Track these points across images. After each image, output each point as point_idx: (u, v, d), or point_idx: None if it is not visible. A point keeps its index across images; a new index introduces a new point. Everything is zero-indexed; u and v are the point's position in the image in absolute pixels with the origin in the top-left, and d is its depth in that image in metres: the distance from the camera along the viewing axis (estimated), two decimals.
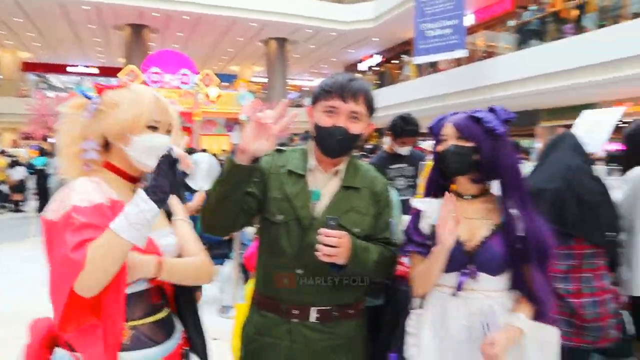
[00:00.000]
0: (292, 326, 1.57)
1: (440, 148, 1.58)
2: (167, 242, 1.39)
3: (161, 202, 1.18)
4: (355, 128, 1.57)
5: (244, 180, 1.45)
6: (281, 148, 1.75)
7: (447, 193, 1.51)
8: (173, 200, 1.53)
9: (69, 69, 27.17)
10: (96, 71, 27.30)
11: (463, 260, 1.52)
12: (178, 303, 1.47)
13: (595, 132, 3.70)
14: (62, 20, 18.25)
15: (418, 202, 1.68)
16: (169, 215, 1.49)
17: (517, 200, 1.53)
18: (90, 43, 22.09)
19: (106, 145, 1.37)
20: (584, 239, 2.07)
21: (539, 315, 1.50)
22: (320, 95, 1.60)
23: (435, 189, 1.68)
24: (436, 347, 1.55)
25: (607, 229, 2.13)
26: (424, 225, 1.63)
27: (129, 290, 1.26)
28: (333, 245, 1.43)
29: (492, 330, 1.46)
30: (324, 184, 1.63)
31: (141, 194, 1.17)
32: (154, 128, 1.34)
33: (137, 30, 18.71)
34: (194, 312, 1.50)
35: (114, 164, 1.37)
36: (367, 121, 1.62)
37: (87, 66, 27.04)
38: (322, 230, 1.45)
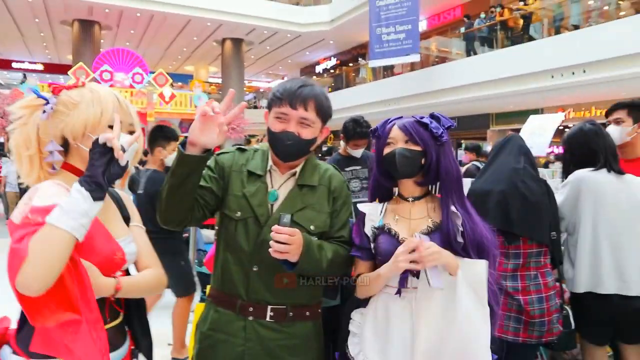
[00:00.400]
0: (247, 323, 1.58)
1: (387, 150, 1.62)
2: (131, 250, 1.39)
3: (95, 191, 1.17)
4: (306, 133, 1.60)
5: (193, 171, 1.47)
6: (243, 147, 1.77)
7: (411, 239, 1.49)
8: (130, 205, 1.52)
9: (14, 64, 25.87)
10: (41, 67, 26.14)
11: None
12: (127, 304, 1.46)
13: (538, 136, 3.90)
14: (3, 12, 17.33)
15: (362, 205, 1.71)
16: (126, 220, 1.48)
17: (456, 200, 1.58)
18: (36, 38, 21.11)
19: (64, 146, 1.34)
20: (529, 239, 2.18)
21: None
22: (272, 101, 1.64)
23: (380, 191, 1.73)
24: (380, 347, 1.56)
25: (550, 229, 2.25)
26: (368, 229, 1.66)
27: (97, 296, 1.27)
28: (285, 242, 1.45)
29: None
30: (281, 185, 1.66)
31: (75, 185, 1.17)
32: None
33: (87, 26, 18.02)
34: (141, 313, 1.50)
35: (73, 165, 1.35)
36: (320, 126, 1.66)
37: (32, 62, 25.83)
38: (275, 227, 1.46)
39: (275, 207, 1.62)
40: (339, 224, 1.69)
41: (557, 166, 7.94)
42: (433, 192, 1.69)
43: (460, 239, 1.53)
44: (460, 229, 1.54)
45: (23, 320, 1.27)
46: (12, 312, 1.36)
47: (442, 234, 1.54)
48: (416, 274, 1.53)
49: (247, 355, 1.57)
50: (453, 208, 1.56)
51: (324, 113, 1.65)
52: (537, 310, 2.12)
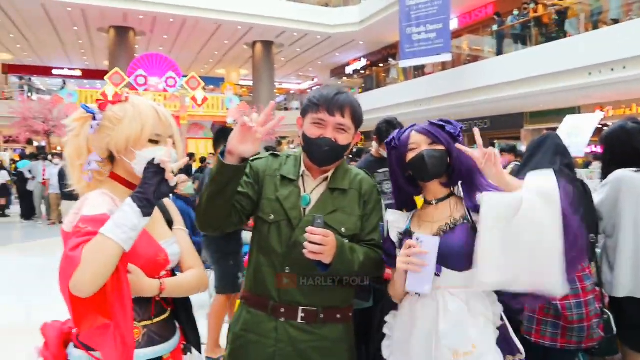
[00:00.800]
0: (279, 324, 1.61)
1: (412, 155, 1.62)
2: (174, 251, 1.47)
3: (145, 207, 1.26)
4: (342, 139, 1.65)
5: (232, 179, 1.53)
6: (276, 153, 1.83)
7: (408, 241, 1.52)
8: (173, 210, 1.61)
9: (54, 71, 26.86)
10: (79, 74, 27.02)
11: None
12: (175, 302, 1.54)
13: (576, 136, 3.81)
14: (45, 21, 18.00)
15: (390, 213, 1.74)
16: (169, 223, 1.56)
17: (473, 196, 1.59)
18: (74, 45, 21.83)
19: (111, 157, 1.43)
20: None
21: None
22: (308, 107, 1.68)
23: (404, 198, 1.75)
24: (404, 349, 1.58)
25: (589, 231, 2.19)
26: (393, 235, 1.68)
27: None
28: (319, 243, 1.47)
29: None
30: (313, 189, 1.70)
31: (127, 200, 1.27)
32: (155, 142, 1.40)
33: (122, 32, 18.54)
34: (188, 310, 1.57)
35: (119, 175, 1.44)
36: (353, 132, 1.71)
37: (70, 69, 26.74)
38: (309, 228, 1.49)
39: (308, 211, 1.66)
40: (369, 227, 1.71)
41: (596, 166, 7.69)
42: (456, 192, 1.70)
43: None
44: None
45: None
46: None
47: (467, 227, 1.55)
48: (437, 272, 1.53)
49: (278, 356, 1.60)
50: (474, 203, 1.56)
51: (358, 119, 1.70)
52: (575, 315, 2.06)
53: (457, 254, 1.52)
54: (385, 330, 1.71)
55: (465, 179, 1.62)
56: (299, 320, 1.61)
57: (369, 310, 2.30)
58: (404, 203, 1.76)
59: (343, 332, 1.68)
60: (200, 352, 1.61)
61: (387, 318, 1.72)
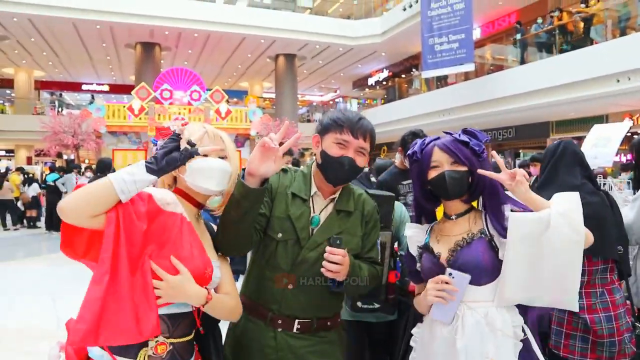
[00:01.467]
0: (277, 334, 1.68)
1: (434, 174, 1.62)
2: (216, 274, 1.48)
3: (151, 164, 1.33)
4: (360, 161, 1.70)
5: (257, 202, 1.55)
6: (285, 168, 1.83)
7: (441, 276, 1.55)
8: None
9: (83, 86, 27.66)
10: (107, 88, 27.75)
11: (440, 273, 1.56)
12: (202, 320, 1.52)
13: (604, 146, 3.72)
14: (75, 39, 18.59)
15: (409, 228, 1.77)
16: (217, 250, 1.59)
17: (497, 212, 1.57)
18: (102, 61, 22.46)
19: (174, 178, 1.55)
20: (593, 256, 2.08)
21: None
22: (331, 127, 1.70)
23: (424, 213, 1.76)
24: None
25: (617, 242, 2.13)
26: (413, 250, 1.72)
27: (177, 309, 1.40)
28: (337, 262, 1.56)
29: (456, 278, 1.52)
30: (322, 209, 1.75)
31: (141, 160, 1.36)
32: (204, 156, 1.44)
33: (148, 48, 19.00)
34: (216, 332, 1.59)
35: (181, 189, 1.52)
36: (368, 155, 1.76)
37: (99, 84, 27.49)
38: (329, 248, 1.58)
39: (315, 231, 1.71)
40: (369, 245, 1.80)
41: (625, 177, 7.46)
42: (477, 206, 1.70)
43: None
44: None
45: None
46: None
47: (485, 241, 1.55)
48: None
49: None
50: (506, 212, 1.55)
51: (373, 145, 1.77)
52: (605, 329, 2.02)
53: (474, 268, 1.52)
54: (412, 343, 1.73)
55: (487, 196, 1.61)
56: (295, 331, 1.68)
57: (394, 322, 2.29)
58: (423, 215, 1.77)
59: (336, 335, 1.78)
60: None
61: (413, 331, 1.74)
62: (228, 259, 1.64)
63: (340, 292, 1.71)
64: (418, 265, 1.69)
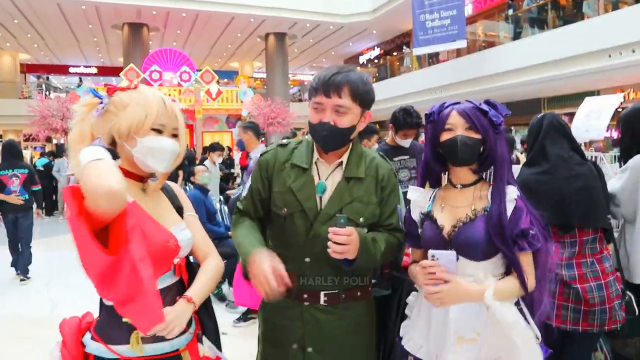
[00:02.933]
0: (304, 309, 1.64)
1: (447, 136, 1.57)
2: (185, 237, 1.45)
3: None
4: (342, 122, 1.57)
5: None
6: (283, 142, 1.78)
7: (425, 262, 1.51)
8: (182, 196, 1.59)
9: (71, 69, 27.20)
10: (95, 71, 27.33)
11: (441, 245, 1.54)
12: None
13: (595, 119, 3.72)
14: (61, 20, 18.21)
15: (412, 191, 1.70)
16: (179, 210, 1.54)
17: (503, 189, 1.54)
18: (89, 43, 22.06)
19: (113, 145, 1.42)
20: (585, 226, 2.10)
21: (528, 297, 1.55)
22: (310, 92, 1.64)
23: (430, 176, 1.71)
24: (423, 333, 1.61)
25: (607, 212, 2.15)
26: (415, 215, 1.67)
27: (160, 285, 1.35)
28: (343, 243, 1.47)
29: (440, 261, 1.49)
30: (329, 176, 1.66)
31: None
32: (158, 131, 1.38)
33: (136, 29, 18.66)
34: (206, 298, 1.55)
35: (124, 168, 1.41)
36: (359, 112, 1.61)
37: (86, 66, 27.06)
38: (332, 229, 1.48)
39: (324, 200, 1.63)
40: (387, 212, 1.69)
41: (617, 151, 7.52)
42: (486, 178, 1.66)
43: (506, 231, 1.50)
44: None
45: (100, 312, 1.44)
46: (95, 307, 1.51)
47: (487, 221, 1.51)
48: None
49: (307, 336, 1.63)
50: (513, 195, 1.53)
51: (362, 98, 1.59)
52: (597, 298, 2.04)
53: (475, 245, 1.51)
54: (407, 311, 1.74)
55: (497, 170, 1.57)
56: (322, 303, 1.64)
57: (387, 297, 2.30)
58: (429, 178, 1.71)
59: (366, 306, 1.72)
60: (219, 343, 1.59)
61: (409, 299, 1.75)
62: (196, 214, 1.61)
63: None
64: (419, 230, 1.66)
